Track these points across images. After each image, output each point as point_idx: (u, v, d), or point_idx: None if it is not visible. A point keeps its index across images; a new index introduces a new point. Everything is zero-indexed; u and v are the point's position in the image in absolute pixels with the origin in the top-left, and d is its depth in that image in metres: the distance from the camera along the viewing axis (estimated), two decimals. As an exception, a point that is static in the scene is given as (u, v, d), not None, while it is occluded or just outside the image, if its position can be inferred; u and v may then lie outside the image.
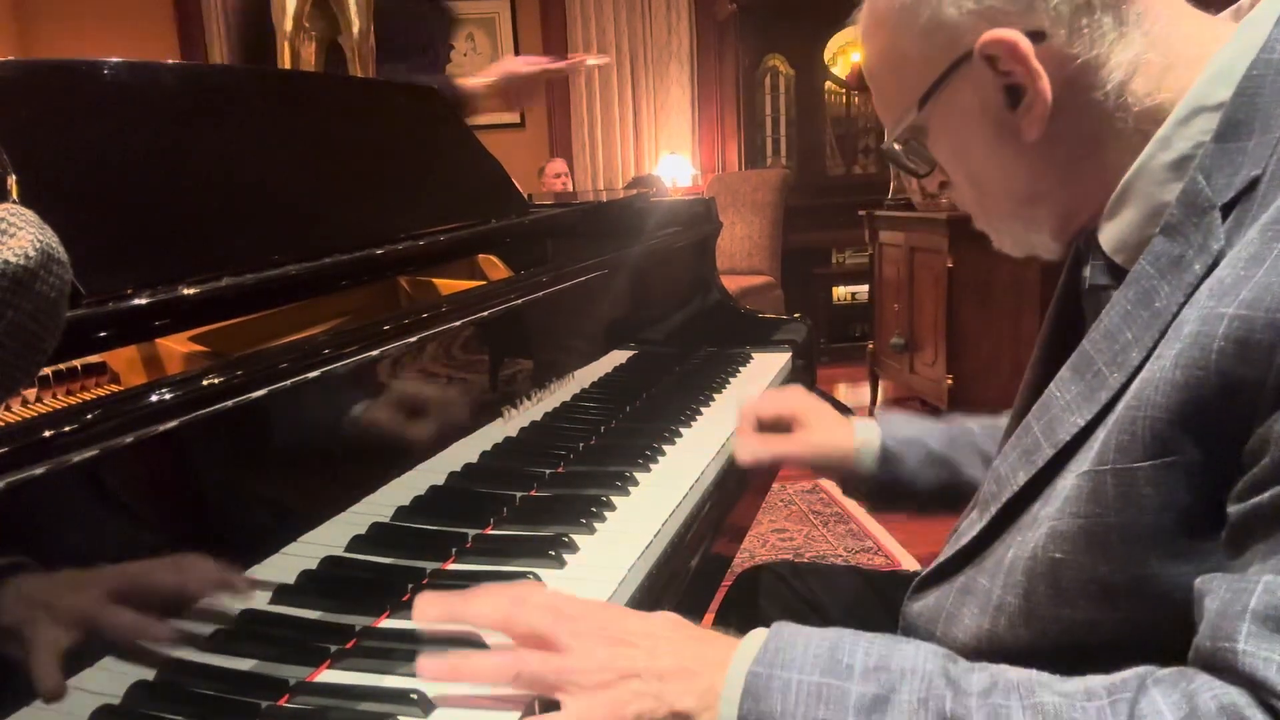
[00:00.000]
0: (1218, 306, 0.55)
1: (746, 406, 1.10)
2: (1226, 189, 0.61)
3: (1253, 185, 0.60)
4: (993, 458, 1.00)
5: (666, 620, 0.67)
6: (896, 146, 0.77)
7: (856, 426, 1.07)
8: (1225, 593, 0.53)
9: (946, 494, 1.04)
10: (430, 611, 0.67)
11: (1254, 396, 0.53)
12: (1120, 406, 0.61)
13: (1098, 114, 0.67)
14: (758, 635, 0.63)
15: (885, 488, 1.05)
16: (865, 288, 4.50)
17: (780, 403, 1.11)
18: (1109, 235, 0.69)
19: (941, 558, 0.79)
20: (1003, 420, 1.05)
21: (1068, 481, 0.64)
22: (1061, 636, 0.65)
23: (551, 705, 0.62)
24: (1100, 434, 0.62)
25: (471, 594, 0.68)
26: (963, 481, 1.03)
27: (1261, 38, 0.63)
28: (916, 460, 1.03)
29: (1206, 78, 0.64)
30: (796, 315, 1.83)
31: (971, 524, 0.76)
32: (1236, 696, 0.50)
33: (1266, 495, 0.53)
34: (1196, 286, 0.59)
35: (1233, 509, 0.55)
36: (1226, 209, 0.61)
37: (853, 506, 2.91)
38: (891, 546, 2.62)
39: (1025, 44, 0.65)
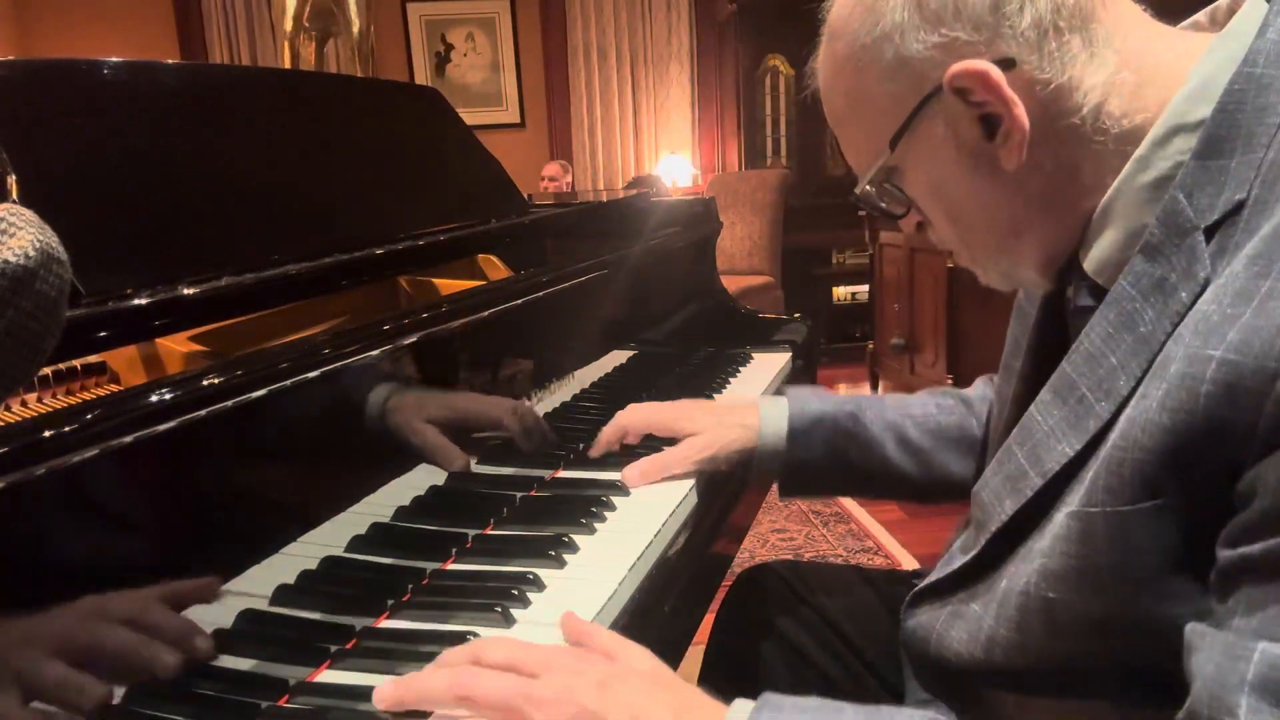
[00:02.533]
0: (1204, 347, 0.54)
1: (617, 422, 1.06)
2: (1210, 210, 0.59)
3: (1237, 209, 0.58)
4: (905, 433, 1.00)
5: (644, 663, 0.62)
6: (870, 190, 0.74)
7: (762, 407, 1.03)
8: (1220, 657, 0.51)
9: (857, 475, 1.01)
10: (387, 696, 0.61)
11: (1244, 440, 0.52)
12: (1108, 444, 0.60)
13: (1075, 139, 0.65)
14: (742, 712, 0.59)
15: (795, 468, 1.01)
16: (865, 288, 4.51)
17: (650, 418, 1.06)
18: (1091, 258, 0.67)
19: (934, 576, 0.78)
20: (916, 396, 1.04)
21: (1059, 518, 0.63)
22: (1056, 664, 0.65)
23: None
24: (1091, 468, 0.61)
25: (426, 671, 0.61)
26: (874, 458, 1.00)
27: (1242, 51, 0.61)
28: (824, 438, 1.00)
29: (1184, 95, 0.62)
30: (796, 315, 1.83)
31: (964, 548, 0.76)
32: None
33: (1257, 547, 0.52)
34: (1183, 315, 0.58)
35: (1222, 554, 0.54)
36: (1210, 231, 0.59)
37: (853, 507, 2.91)
38: (891, 546, 2.62)
39: (996, 73, 0.62)
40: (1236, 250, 0.57)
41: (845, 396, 1.04)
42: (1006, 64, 0.63)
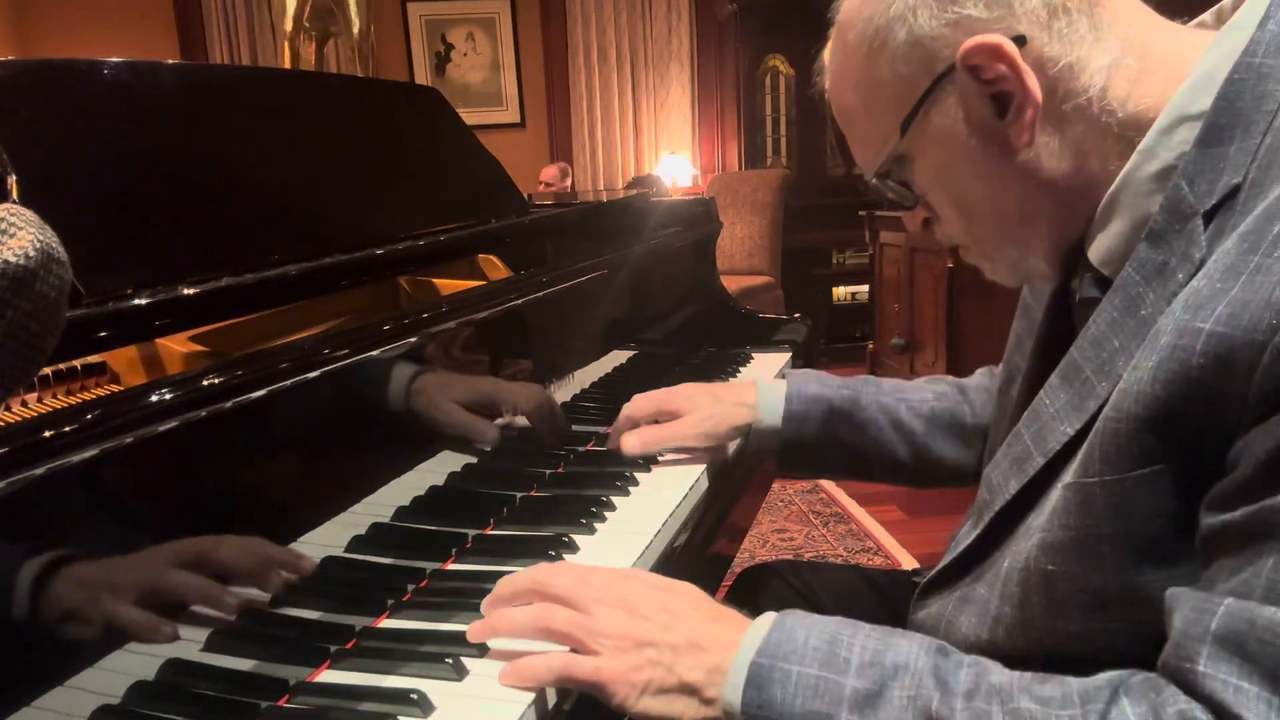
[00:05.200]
0: (1194, 320, 0.55)
1: (624, 413, 1.09)
2: (1208, 195, 0.61)
3: (1234, 193, 0.60)
4: (898, 416, 1.03)
5: (686, 596, 0.69)
6: (880, 181, 0.75)
7: (760, 387, 1.06)
8: (1190, 611, 0.54)
9: (851, 455, 1.04)
10: (480, 630, 0.71)
11: (1237, 408, 0.53)
12: (1102, 417, 0.61)
13: (1082, 121, 0.66)
14: (765, 622, 0.65)
15: (791, 446, 1.05)
16: (865, 288, 4.51)
17: (654, 402, 1.09)
18: (1097, 248, 0.68)
19: (941, 565, 0.79)
20: (914, 383, 1.07)
21: (1055, 492, 0.65)
22: (1056, 647, 0.66)
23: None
24: (1087, 442, 0.63)
25: (501, 584, 0.72)
26: (868, 441, 1.03)
27: (1244, 42, 0.62)
28: (819, 418, 1.03)
29: (1189, 85, 0.63)
30: (796, 315, 1.83)
31: (967, 532, 0.77)
32: (1199, 713, 0.52)
33: (1238, 513, 0.53)
34: (1178, 294, 0.59)
35: (1205, 520, 0.56)
36: (1209, 216, 0.60)
37: (853, 507, 2.91)
38: (891, 546, 2.62)
39: (1010, 46, 0.64)
40: (1232, 231, 0.58)
41: (844, 380, 1.07)
42: (1018, 41, 0.64)
